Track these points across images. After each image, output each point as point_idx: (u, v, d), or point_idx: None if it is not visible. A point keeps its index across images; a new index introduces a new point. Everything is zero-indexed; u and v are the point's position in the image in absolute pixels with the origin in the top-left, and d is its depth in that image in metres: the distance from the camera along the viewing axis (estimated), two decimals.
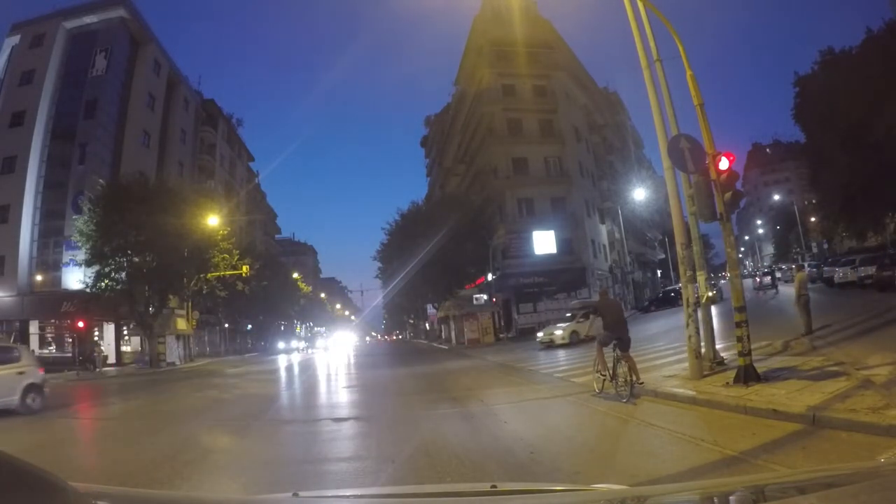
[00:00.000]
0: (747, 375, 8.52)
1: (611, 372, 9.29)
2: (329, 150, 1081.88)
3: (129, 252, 29.16)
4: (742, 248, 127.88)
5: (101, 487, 1.50)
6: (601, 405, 8.79)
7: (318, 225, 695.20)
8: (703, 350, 9.91)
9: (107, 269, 29.31)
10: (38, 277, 34.33)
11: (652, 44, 10.79)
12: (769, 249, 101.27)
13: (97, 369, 28.95)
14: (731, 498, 1.66)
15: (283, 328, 70.46)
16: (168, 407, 12.90)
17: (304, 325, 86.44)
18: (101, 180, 31.27)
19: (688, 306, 9.74)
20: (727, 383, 8.74)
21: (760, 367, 9.02)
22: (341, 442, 7.55)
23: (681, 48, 10.31)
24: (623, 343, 9.24)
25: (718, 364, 10.34)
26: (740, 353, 8.72)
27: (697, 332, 9.59)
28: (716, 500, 1.68)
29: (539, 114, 42.42)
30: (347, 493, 2.92)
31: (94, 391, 18.93)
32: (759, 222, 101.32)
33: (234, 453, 7.28)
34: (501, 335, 36.15)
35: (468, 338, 34.66)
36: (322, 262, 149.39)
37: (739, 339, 8.73)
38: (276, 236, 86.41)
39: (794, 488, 1.59)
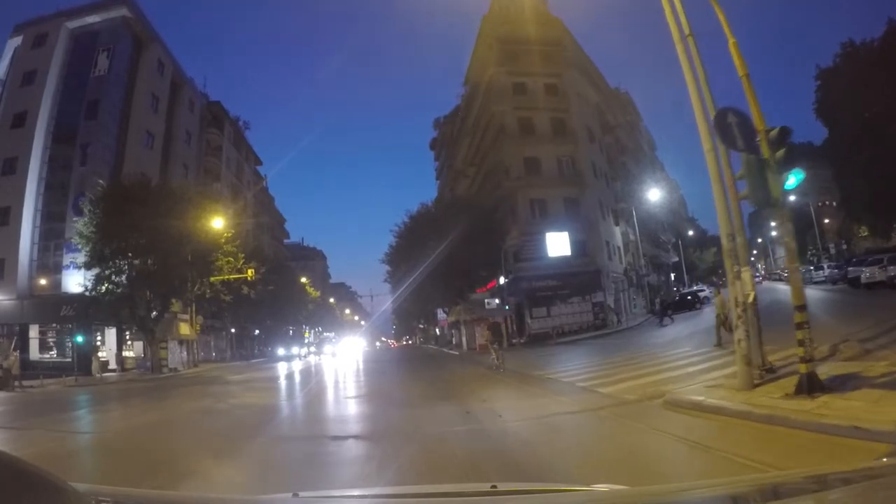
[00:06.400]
0: (811, 385, 7.30)
1: (497, 359, 17.97)
2: (338, 156, 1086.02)
3: (129, 254, 28.29)
4: (754, 251, 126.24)
5: (101, 487, 1.48)
6: (639, 421, 7.63)
7: (328, 230, 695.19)
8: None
9: (107, 272, 28.49)
10: (39, 281, 33.53)
11: (683, 18, 9.78)
12: (783, 252, 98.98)
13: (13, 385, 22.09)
14: (731, 498, 1.65)
15: (291, 333, 69.60)
16: (145, 419, 11.86)
17: (313, 331, 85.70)
18: (100, 181, 30.41)
19: (736, 305, 8.55)
20: (787, 394, 7.52)
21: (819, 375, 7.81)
22: (339, 468, 6.39)
23: (721, 15, 9.30)
24: (500, 344, 19.01)
25: (768, 371, 9.13)
26: (802, 360, 7.52)
27: (748, 336, 8.39)
28: (716, 499, 1.67)
29: (551, 113, 41.22)
30: (347, 494, 2.89)
31: (80, 399, 17.87)
32: (772, 224, 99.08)
33: (215, 478, 6.13)
34: (514, 340, 34.89)
35: (479, 343, 33.35)
36: (332, 267, 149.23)
37: (801, 343, 7.53)
38: (285, 241, 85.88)
39: (795, 488, 1.58)
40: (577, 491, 2.26)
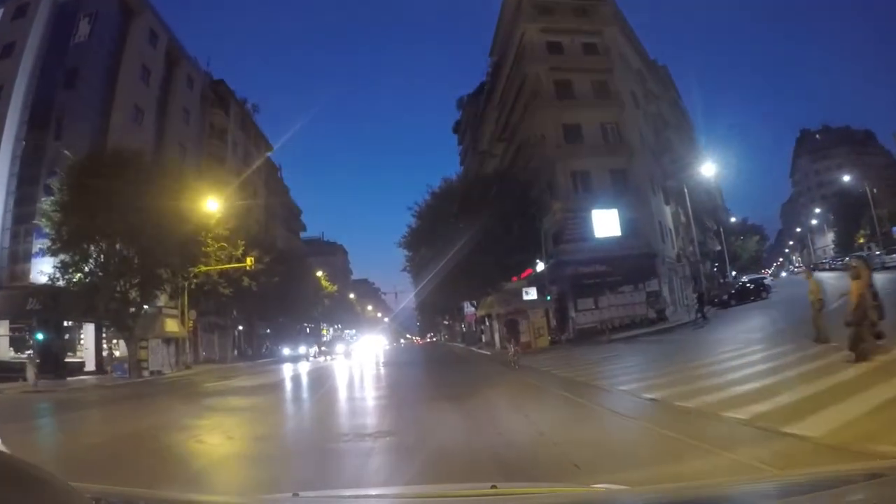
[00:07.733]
0: None
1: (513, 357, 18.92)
2: (361, 151, 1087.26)
3: (96, 238, 23.83)
4: (790, 242, 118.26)
5: (101, 487, 1.48)
6: None
7: (351, 228, 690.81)
8: None
9: (75, 258, 24.15)
10: (10, 271, 29.34)
11: None
12: (823, 241, 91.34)
13: None
14: (731, 498, 1.64)
15: (308, 331, 65.31)
16: None
17: (332, 328, 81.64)
18: (66, 152, 25.97)
19: None
20: None
21: None
22: None
23: None
24: (517, 340, 21.49)
25: None
26: None
27: None
28: (716, 499, 1.64)
29: (592, 73, 35.53)
30: (347, 494, 2.84)
31: None
32: (817, 211, 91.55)
33: None
34: (557, 337, 29.56)
35: (522, 341, 27.88)
36: (355, 263, 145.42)
37: None
38: (303, 235, 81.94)
39: (794, 488, 1.56)
40: (576, 491, 2.23)
